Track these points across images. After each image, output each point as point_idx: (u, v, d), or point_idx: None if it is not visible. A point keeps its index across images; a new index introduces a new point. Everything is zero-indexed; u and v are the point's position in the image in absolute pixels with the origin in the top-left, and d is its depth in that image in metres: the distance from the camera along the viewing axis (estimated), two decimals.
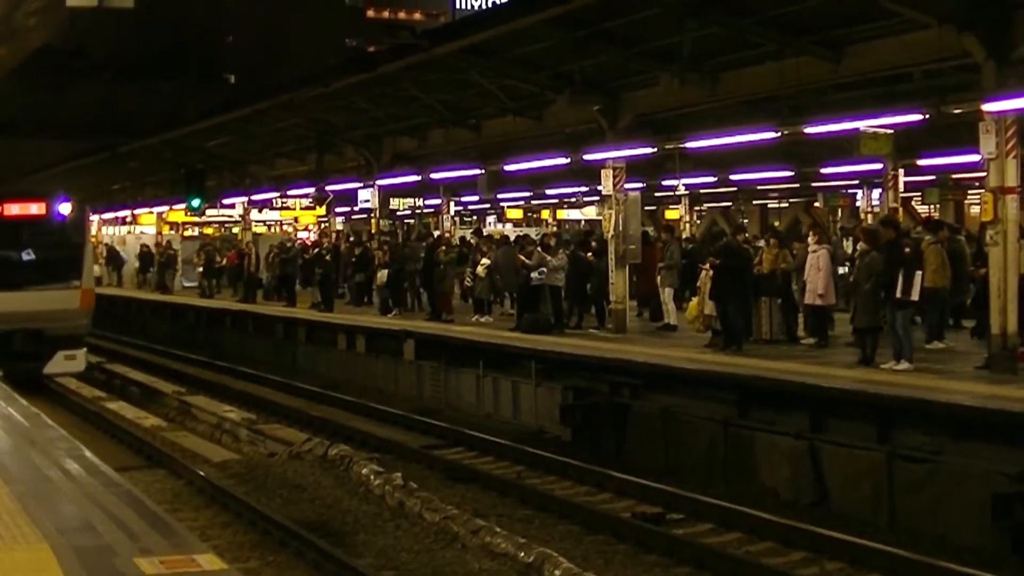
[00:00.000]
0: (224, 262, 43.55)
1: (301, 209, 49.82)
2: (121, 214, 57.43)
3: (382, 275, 30.73)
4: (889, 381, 16.13)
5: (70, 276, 25.60)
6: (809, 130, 22.72)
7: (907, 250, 17.24)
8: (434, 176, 35.38)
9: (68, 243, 26.02)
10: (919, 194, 43.35)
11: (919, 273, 16.96)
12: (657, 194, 45.92)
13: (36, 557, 7.34)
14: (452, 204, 46.96)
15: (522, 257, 25.59)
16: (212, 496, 16.39)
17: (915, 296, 16.91)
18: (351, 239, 39.85)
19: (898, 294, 16.93)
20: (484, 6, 79.60)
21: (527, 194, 51.79)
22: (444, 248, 29.48)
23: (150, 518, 8.47)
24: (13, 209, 25.59)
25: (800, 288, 20.33)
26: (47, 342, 25.06)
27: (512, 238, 31.69)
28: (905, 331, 17.32)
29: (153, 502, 9.29)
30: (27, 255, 25.65)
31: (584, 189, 46.39)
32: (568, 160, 28.26)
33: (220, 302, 39.61)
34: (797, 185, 45.18)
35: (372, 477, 16.65)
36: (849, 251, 24.74)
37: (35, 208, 25.80)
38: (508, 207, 58.25)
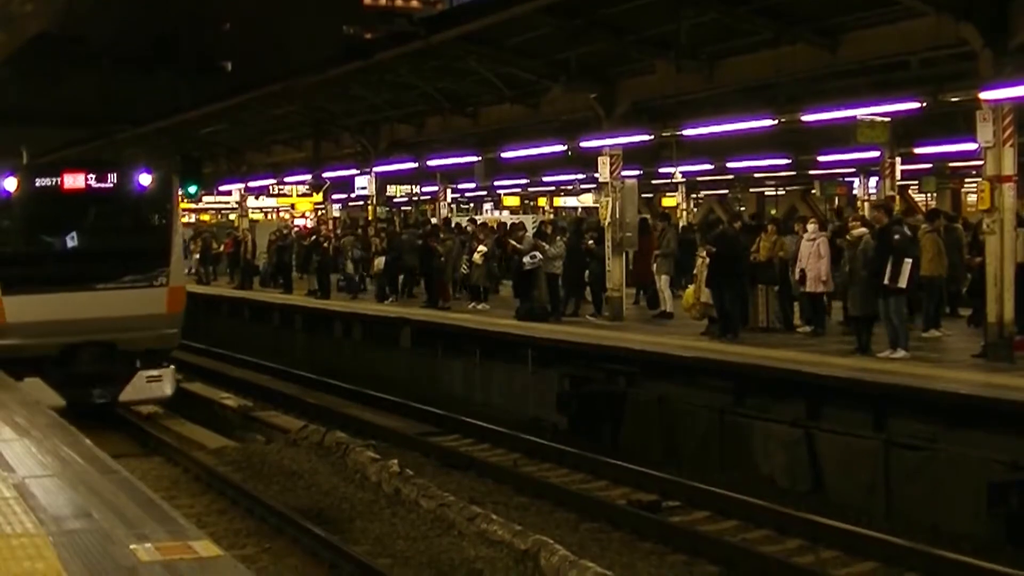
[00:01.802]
0: (221, 249, 43.52)
1: (298, 196, 49.81)
2: None
3: (379, 262, 30.73)
4: (885, 369, 16.14)
5: (153, 270, 20.06)
6: (806, 118, 22.71)
7: (896, 237, 17.20)
8: (431, 163, 35.38)
9: (150, 226, 20.82)
10: (916, 182, 43.38)
11: (908, 261, 16.94)
12: (654, 182, 45.93)
13: (32, 544, 7.35)
14: (449, 191, 46.94)
15: (513, 242, 25.60)
16: (209, 483, 16.43)
17: (902, 283, 16.89)
18: (348, 224, 39.85)
19: (886, 281, 16.93)
20: None
21: (524, 181, 51.77)
22: (441, 236, 29.50)
23: (146, 505, 8.48)
24: (76, 181, 19.87)
25: (798, 276, 20.28)
26: (123, 359, 19.84)
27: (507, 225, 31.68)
28: (899, 319, 17.32)
29: (150, 489, 9.29)
30: (96, 243, 20.29)
31: (581, 176, 46.36)
32: (565, 147, 28.26)
33: (216, 289, 39.60)
34: (794, 173, 45.17)
35: (368, 464, 16.68)
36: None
37: (105, 180, 20.16)
38: (505, 194, 58.24)
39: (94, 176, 20.04)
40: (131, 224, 20.89)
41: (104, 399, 19.88)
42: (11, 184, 19.49)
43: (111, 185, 20.13)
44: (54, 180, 19.83)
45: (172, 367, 20.78)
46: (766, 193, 57.42)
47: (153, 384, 20.15)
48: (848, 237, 18.82)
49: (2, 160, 22.12)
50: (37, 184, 19.82)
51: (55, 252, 20.19)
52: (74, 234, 20.31)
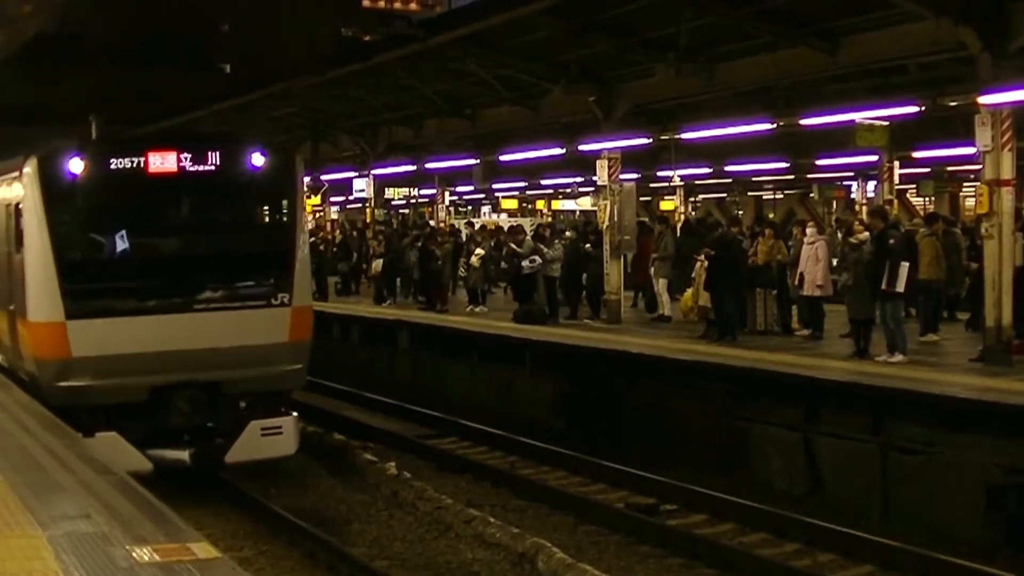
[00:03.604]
0: None
1: None
2: None
3: (377, 264, 30.72)
4: (883, 373, 16.12)
5: (272, 283, 15.33)
6: (804, 121, 22.73)
7: (891, 241, 17.17)
8: (429, 166, 35.42)
9: (267, 224, 16.32)
10: (914, 186, 43.45)
11: (904, 264, 16.92)
12: (652, 185, 45.94)
13: (30, 545, 7.34)
14: (447, 194, 46.99)
15: (513, 245, 25.60)
16: (206, 485, 16.37)
17: (900, 287, 16.87)
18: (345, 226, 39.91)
19: (883, 285, 16.90)
20: None
21: (522, 184, 51.80)
22: (439, 239, 29.53)
23: (144, 507, 8.48)
24: (166, 162, 14.96)
25: (796, 280, 20.26)
26: (230, 406, 15.15)
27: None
28: (896, 323, 17.30)
29: (148, 491, 9.29)
30: (194, 246, 15.50)
31: (579, 179, 46.36)
32: (563, 150, 28.24)
33: None
34: (792, 177, 45.18)
35: (366, 467, 16.68)
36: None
37: (205, 160, 15.22)
38: (503, 197, 58.27)
39: (190, 155, 15.14)
40: (241, 221, 16.32)
41: (205, 460, 14.94)
42: (76, 166, 14.78)
43: (214, 167, 15.28)
44: (136, 161, 14.91)
45: (294, 415, 15.78)
46: (764, 197, 57.45)
47: (270, 438, 15.22)
48: (852, 240, 18.78)
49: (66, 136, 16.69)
50: (112, 166, 14.90)
51: (138, 260, 15.25)
52: (164, 235, 15.70)
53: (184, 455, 14.65)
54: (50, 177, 14.73)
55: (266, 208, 16.41)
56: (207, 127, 34.14)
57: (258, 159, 15.46)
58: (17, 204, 15.22)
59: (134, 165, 14.84)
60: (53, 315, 14.40)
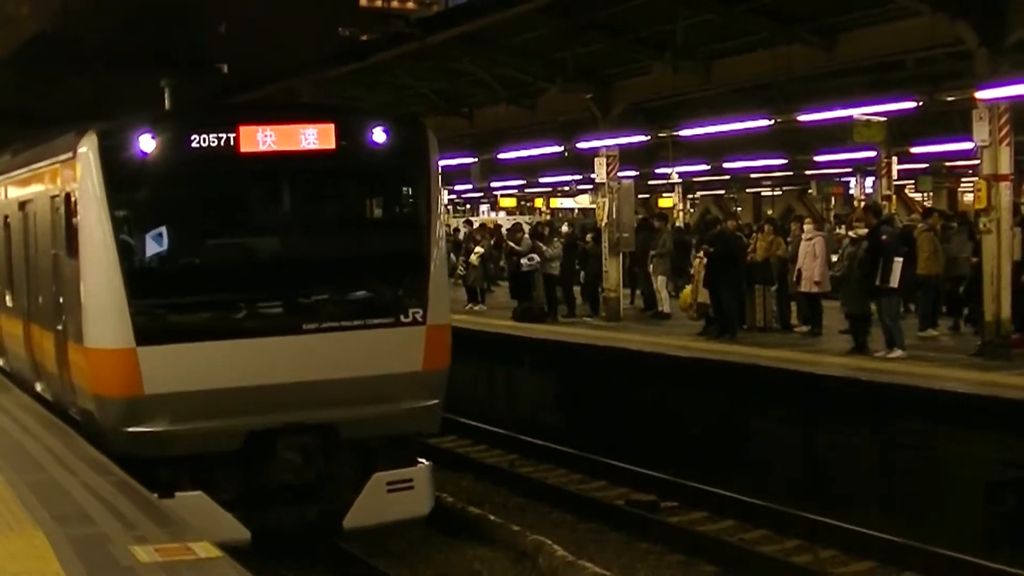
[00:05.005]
0: None
1: None
2: None
3: None
4: (882, 369, 16.12)
5: (400, 297, 12.18)
6: (802, 118, 22.76)
7: (884, 237, 17.14)
8: None
9: (393, 220, 13.20)
10: (912, 182, 43.49)
11: (898, 260, 16.90)
12: (650, 182, 45.94)
13: (31, 545, 7.34)
14: (445, 192, 46.97)
15: (511, 243, 25.60)
16: None
17: (894, 283, 16.85)
18: None
19: (878, 282, 16.88)
20: None
21: (520, 182, 51.79)
22: None
23: (145, 506, 8.48)
24: (263, 140, 11.81)
25: (795, 276, 20.27)
26: (348, 454, 12.10)
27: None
28: (893, 319, 17.29)
29: (148, 490, 9.30)
30: (299, 249, 12.26)
31: (577, 177, 46.35)
32: (561, 148, 28.21)
33: None
34: (790, 173, 45.20)
35: None
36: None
37: (314, 138, 11.98)
38: (501, 195, 58.26)
39: (294, 131, 11.95)
40: (360, 215, 13.27)
41: (318, 525, 12.04)
42: (148, 144, 11.50)
43: (325, 146, 12.06)
44: (224, 138, 11.66)
45: (429, 464, 12.80)
46: (763, 193, 57.47)
47: (398, 495, 12.19)
48: (852, 234, 18.75)
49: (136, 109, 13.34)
50: (194, 145, 11.60)
51: (229, 267, 12.10)
52: (261, 234, 12.44)
53: (292, 519, 11.85)
54: (114, 159, 11.50)
55: (392, 198, 13.27)
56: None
57: (380, 135, 12.21)
58: (68, 195, 12.05)
59: (222, 143, 11.62)
60: (119, 340, 11.19)
